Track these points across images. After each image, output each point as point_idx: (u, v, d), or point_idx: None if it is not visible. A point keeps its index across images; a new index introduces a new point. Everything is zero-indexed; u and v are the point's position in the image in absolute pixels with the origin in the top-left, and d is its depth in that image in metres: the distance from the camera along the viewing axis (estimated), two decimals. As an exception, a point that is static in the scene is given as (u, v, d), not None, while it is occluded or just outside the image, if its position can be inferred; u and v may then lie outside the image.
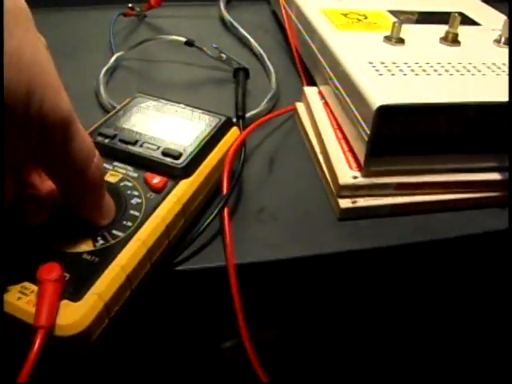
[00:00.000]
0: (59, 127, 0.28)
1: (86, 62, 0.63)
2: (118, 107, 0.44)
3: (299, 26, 0.60)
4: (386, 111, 0.39)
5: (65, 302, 0.29)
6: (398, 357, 0.55)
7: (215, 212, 0.38)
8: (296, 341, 0.51)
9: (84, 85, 0.56)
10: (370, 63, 0.45)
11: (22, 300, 0.29)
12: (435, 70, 0.45)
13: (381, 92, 0.40)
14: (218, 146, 0.41)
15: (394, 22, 0.49)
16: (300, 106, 0.53)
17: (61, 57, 0.61)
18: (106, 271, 0.31)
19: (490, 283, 0.49)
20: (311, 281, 0.42)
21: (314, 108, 0.50)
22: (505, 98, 0.41)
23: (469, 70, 0.45)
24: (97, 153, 0.31)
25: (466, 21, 0.57)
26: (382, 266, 0.43)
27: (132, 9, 0.71)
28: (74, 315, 0.28)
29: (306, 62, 0.59)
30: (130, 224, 0.34)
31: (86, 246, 0.32)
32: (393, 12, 0.58)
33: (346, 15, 0.56)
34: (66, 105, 0.28)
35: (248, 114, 0.51)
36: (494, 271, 0.48)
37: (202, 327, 0.45)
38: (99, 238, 0.33)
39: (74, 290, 0.30)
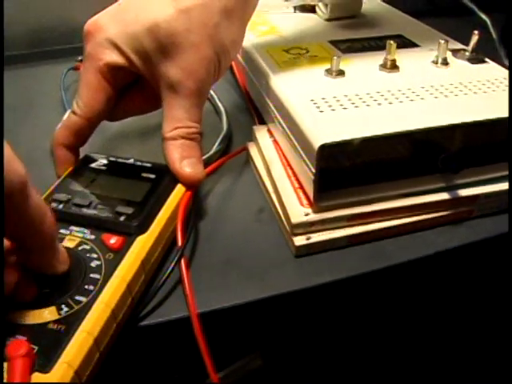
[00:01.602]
0: (19, 189, 0.31)
1: (39, 121, 0.65)
2: (69, 170, 0.47)
3: (245, 66, 0.64)
4: (327, 149, 0.42)
5: (35, 374, 0.31)
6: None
7: (173, 264, 0.41)
8: (282, 368, 0.53)
9: (39, 144, 0.58)
10: (312, 100, 0.49)
11: None
12: (375, 100, 0.48)
13: (321, 130, 0.44)
14: (170, 197, 0.44)
15: (333, 56, 0.53)
16: (251, 146, 0.57)
17: (12, 117, 0.63)
18: (73, 338, 0.33)
19: (449, 301, 0.52)
20: (277, 317, 0.45)
21: (264, 147, 0.54)
22: (442, 122, 0.45)
23: (407, 96, 0.49)
24: (47, 206, 0.34)
25: (406, 43, 0.61)
26: (343, 296, 0.46)
27: (82, 62, 0.73)
28: None
29: (255, 100, 0.63)
30: (91, 288, 0.37)
31: (50, 316, 0.35)
32: (334, 42, 0.61)
33: (287, 51, 0.59)
34: (21, 165, 0.31)
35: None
36: (450, 289, 0.51)
37: (183, 369, 0.47)
38: (63, 306, 0.35)
39: (44, 361, 0.32)
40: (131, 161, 0.48)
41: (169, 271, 0.40)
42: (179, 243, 0.41)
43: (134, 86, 0.51)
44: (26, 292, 0.36)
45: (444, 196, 0.47)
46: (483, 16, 0.82)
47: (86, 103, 0.47)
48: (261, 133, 0.56)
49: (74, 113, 0.48)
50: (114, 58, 0.46)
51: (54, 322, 0.34)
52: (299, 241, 0.44)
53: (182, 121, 0.47)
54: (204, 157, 0.54)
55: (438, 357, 0.60)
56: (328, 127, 0.44)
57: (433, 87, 0.51)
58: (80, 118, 0.47)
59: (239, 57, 0.66)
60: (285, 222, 0.46)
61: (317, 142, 0.42)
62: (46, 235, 0.35)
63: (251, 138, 0.58)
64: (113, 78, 0.47)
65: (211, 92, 0.66)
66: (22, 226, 0.33)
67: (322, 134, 0.43)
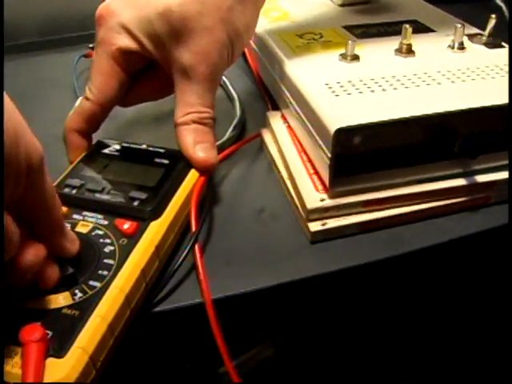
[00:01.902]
0: (38, 166, 0.31)
1: (51, 108, 0.65)
2: (82, 155, 0.47)
3: (258, 52, 0.63)
4: (343, 133, 0.42)
5: (50, 359, 0.31)
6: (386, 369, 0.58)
7: (187, 250, 0.40)
8: (293, 357, 0.53)
9: (51, 131, 0.58)
10: (327, 84, 0.48)
11: (8, 364, 0.31)
12: (391, 85, 0.48)
13: (337, 114, 0.43)
14: (184, 182, 0.44)
15: (348, 40, 0.52)
16: (265, 132, 0.56)
17: (24, 104, 0.63)
18: (88, 323, 0.33)
19: (464, 289, 0.52)
20: (290, 304, 0.45)
21: (278, 133, 0.53)
22: (460, 106, 0.44)
23: (424, 81, 0.48)
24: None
25: (421, 28, 0.60)
26: (358, 283, 0.45)
27: (93, 49, 0.73)
28: (60, 372, 0.31)
29: (268, 86, 0.62)
30: (105, 273, 0.36)
31: (64, 301, 0.34)
32: (348, 27, 0.61)
33: (301, 36, 0.59)
34: (38, 142, 0.31)
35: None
36: (467, 276, 0.50)
37: (195, 357, 0.47)
38: (77, 291, 0.35)
39: (58, 346, 0.32)
40: (144, 146, 0.48)
41: (183, 256, 0.40)
42: (193, 228, 0.41)
43: (147, 71, 0.50)
44: (50, 274, 0.35)
45: (460, 182, 0.46)
46: (498, 1, 0.81)
47: (98, 89, 0.47)
48: (275, 118, 0.55)
49: (86, 98, 0.47)
50: (126, 42, 0.46)
51: (68, 307, 0.34)
52: (315, 226, 0.44)
53: (195, 106, 0.46)
54: (217, 143, 0.54)
55: (453, 341, 0.59)
56: (344, 111, 0.44)
57: (449, 72, 0.50)
58: (92, 103, 0.47)
59: (252, 42, 0.65)
60: (300, 208, 0.45)
61: (333, 126, 0.41)
62: (56, 217, 0.34)
63: (265, 124, 0.57)
64: (125, 63, 0.47)
65: (224, 78, 0.66)
66: (36, 207, 0.33)
67: (337, 118, 0.42)
